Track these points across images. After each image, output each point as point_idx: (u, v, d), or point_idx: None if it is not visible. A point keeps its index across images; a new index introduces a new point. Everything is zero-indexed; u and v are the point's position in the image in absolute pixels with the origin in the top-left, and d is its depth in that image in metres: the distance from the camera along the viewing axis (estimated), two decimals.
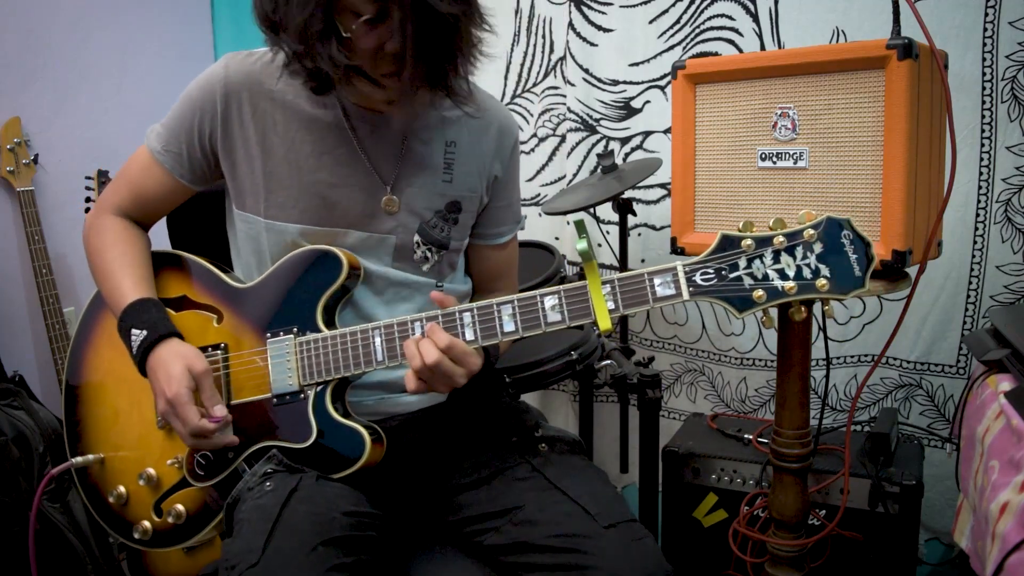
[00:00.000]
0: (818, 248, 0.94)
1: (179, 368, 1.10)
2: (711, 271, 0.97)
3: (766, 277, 0.96)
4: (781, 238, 0.95)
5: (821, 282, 0.94)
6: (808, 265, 0.95)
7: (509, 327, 1.04)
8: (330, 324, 1.15)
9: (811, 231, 0.94)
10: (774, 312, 1.01)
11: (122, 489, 1.25)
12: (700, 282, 0.97)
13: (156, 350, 1.13)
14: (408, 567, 1.15)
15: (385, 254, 1.21)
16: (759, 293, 0.96)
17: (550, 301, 1.02)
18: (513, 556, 1.09)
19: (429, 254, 1.22)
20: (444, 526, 1.20)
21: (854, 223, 0.94)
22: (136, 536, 1.23)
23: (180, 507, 1.19)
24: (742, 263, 0.96)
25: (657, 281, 0.99)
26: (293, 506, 1.03)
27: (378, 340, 1.09)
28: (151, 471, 1.22)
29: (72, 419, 1.31)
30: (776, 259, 0.95)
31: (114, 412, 1.28)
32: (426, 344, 1.03)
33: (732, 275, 0.96)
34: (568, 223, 2.18)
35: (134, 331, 1.15)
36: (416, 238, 1.21)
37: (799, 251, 0.95)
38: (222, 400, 1.14)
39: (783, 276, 0.95)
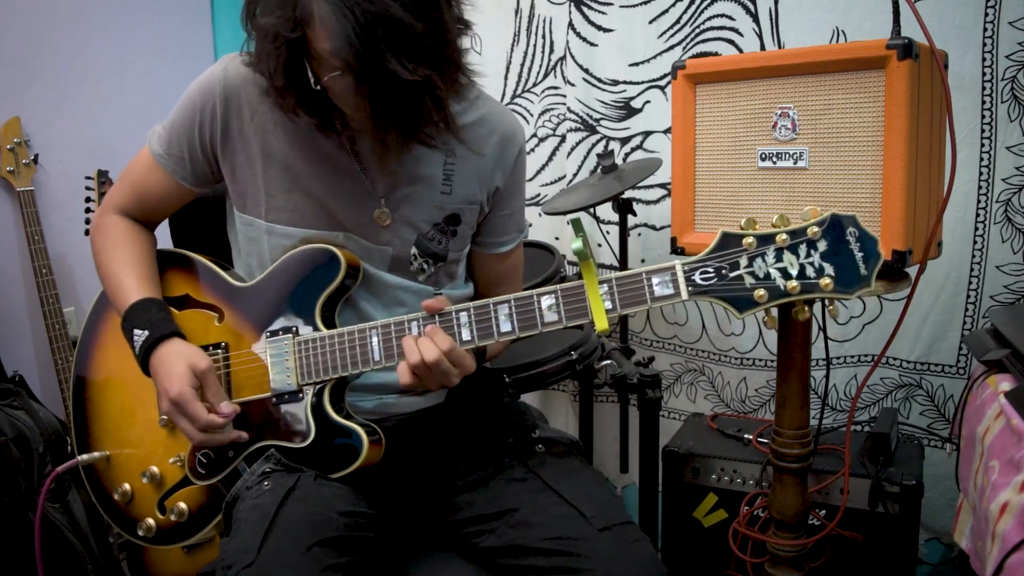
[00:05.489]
0: (822, 246, 0.92)
1: (182, 367, 1.10)
2: (711, 270, 0.95)
3: (768, 276, 0.93)
4: (784, 236, 0.92)
5: (825, 281, 0.91)
6: (812, 263, 0.92)
7: (506, 327, 1.03)
8: (329, 324, 1.15)
9: (815, 228, 0.91)
10: (776, 312, 0.99)
11: (127, 486, 1.25)
12: (699, 281, 0.95)
13: (158, 350, 1.13)
14: (404, 568, 1.15)
15: (381, 263, 1.20)
16: (760, 293, 0.93)
17: (547, 301, 1.01)
18: (508, 558, 1.09)
19: (426, 266, 1.22)
20: (441, 527, 1.20)
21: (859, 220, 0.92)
22: (141, 533, 1.24)
23: (183, 505, 1.20)
24: (743, 262, 0.94)
25: (655, 280, 0.97)
26: (290, 506, 1.03)
27: (375, 340, 1.09)
28: (154, 469, 1.22)
29: (79, 416, 1.32)
30: (779, 257, 0.93)
31: (119, 410, 1.28)
32: (426, 343, 1.03)
33: (732, 274, 0.94)
34: (568, 223, 2.18)
35: (136, 331, 1.15)
36: (413, 250, 1.20)
37: (802, 249, 0.92)
38: (227, 396, 1.14)
39: (785, 275, 0.93)
